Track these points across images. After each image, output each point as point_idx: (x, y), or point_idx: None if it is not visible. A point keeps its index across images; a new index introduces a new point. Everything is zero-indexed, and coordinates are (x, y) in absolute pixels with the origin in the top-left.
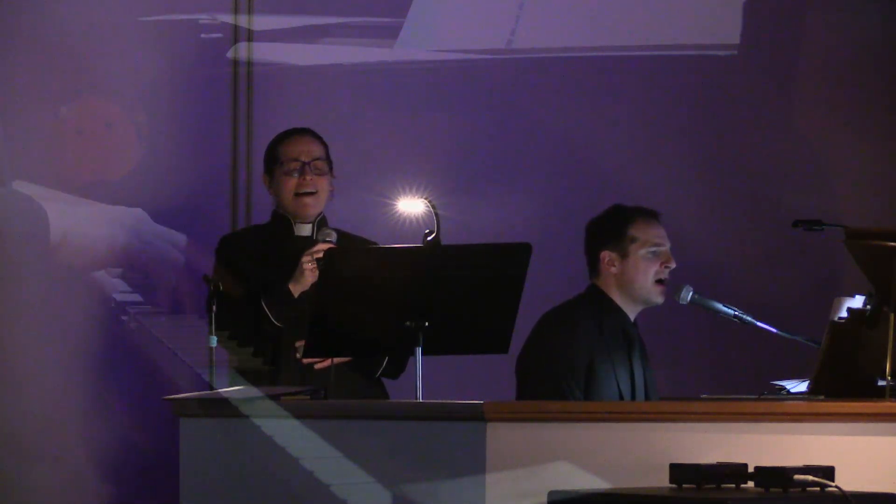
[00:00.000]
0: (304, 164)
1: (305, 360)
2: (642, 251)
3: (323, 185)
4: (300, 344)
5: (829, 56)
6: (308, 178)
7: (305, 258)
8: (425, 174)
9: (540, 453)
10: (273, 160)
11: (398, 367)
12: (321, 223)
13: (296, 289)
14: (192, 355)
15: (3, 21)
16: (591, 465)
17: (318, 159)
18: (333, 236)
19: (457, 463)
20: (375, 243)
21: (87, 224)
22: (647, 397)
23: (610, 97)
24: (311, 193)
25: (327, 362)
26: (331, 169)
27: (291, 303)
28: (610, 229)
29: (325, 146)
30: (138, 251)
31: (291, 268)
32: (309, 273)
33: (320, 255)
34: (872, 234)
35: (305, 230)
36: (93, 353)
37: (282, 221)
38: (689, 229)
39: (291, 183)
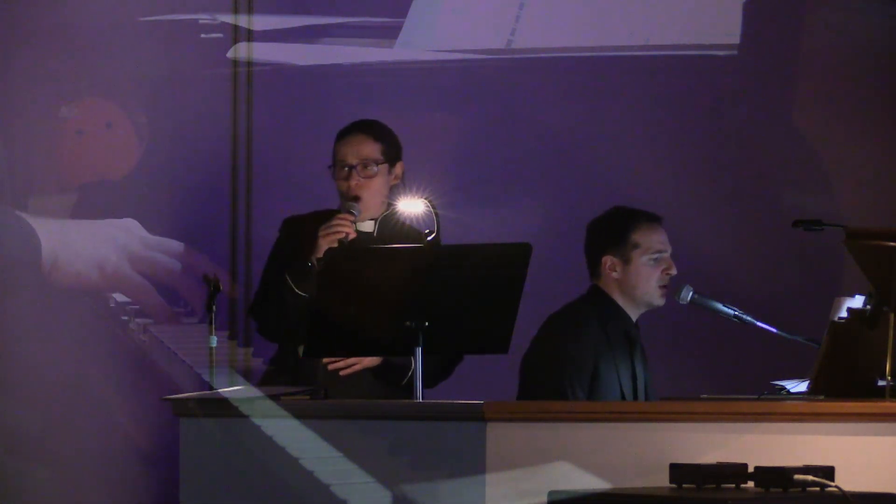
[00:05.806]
0: (351, 167)
1: (331, 367)
2: (644, 258)
3: (373, 186)
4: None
5: (829, 56)
6: (353, 182)
7: (321, 230)
8: (425, 174)
9: (540, 453)
10: (333, 157)
11: (442, 373)
12: (385, 219)
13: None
14: (192, 355)
15: (3, 21)
16: (591, 465)
17: (366, 160)
18: (357, 209)
19: (457, 463)
20: (423, 235)
21: (78, 246)
22: (646, 400)
23: (610, 97)
24: (357, 198)
25: (356, 367)
26: (391, 162)
27: (311, 272)
28: (612, 233)
29: (382, 141)
30: (131, 272)
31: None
32: (324, 243)
33: (335, 228)
34: (872, 234)
35: (367, 226)
36: (92, 353)
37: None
38: (689, 229)
39: (342, 186)
